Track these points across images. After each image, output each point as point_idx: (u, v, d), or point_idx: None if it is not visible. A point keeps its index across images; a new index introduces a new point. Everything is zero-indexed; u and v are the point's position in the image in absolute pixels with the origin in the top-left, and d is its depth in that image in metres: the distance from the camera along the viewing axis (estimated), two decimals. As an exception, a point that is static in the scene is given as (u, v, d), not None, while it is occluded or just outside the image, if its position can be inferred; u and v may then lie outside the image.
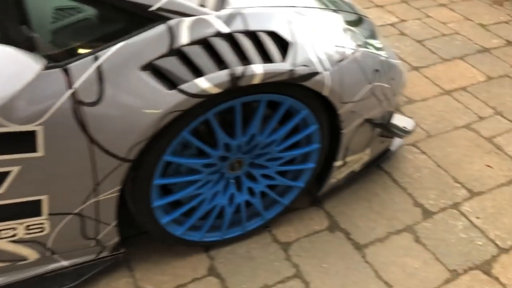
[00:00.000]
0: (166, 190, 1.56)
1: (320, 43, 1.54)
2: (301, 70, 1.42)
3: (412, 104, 2.62)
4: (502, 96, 2.77)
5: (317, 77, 1.47)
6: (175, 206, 1.59)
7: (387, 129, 1.96)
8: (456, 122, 2.53)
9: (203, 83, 1.29)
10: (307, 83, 1.45)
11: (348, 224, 1.92)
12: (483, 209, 2.04)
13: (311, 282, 1.69)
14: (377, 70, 1.74)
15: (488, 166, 2.28)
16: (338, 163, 1.81)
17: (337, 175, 1.89)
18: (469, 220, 1.99)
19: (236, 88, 1.35)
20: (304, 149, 1.67)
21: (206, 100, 1.34)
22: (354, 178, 2.07)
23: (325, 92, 1.51)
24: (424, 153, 2.31)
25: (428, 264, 1.81)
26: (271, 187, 1.76)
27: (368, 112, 1.75)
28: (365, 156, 1.98)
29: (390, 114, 2.00)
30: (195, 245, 1.70)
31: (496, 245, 1.90)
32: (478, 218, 2.00)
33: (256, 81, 1.36)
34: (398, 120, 2.14)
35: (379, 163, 2.20)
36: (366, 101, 1.71)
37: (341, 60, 1.56)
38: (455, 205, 2.05)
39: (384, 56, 1.83)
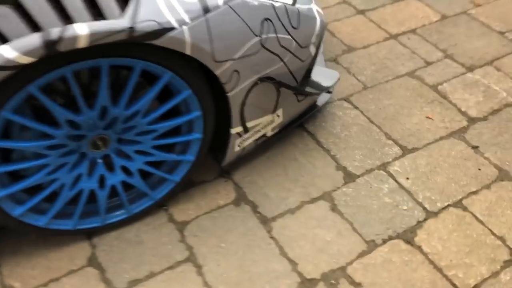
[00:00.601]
0: (15, 176, 1.36)
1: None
2: (145, 27, 1.18)
3: (351, 53, 2.35)
4: (455, 36, 2.49)
5: (171, 34, 1.23)
6: (31, 193, 1.40)
7: (296, 89, 1.73)
8: (399, 70, 2.27)
9: (9, 52, 1.07)
10: (158, 42, 1.22)
11: (257, 195, 1.72)
12: (415, 168, 1.83)
13: (205, 266, 1.51)
14: (267, 20, 1.49)
15: (429, 117, 2.05)
16: (235, 129, 1.60)
17: (241, 142, 1.67)
18: (397, 181, 1.78)
19: (56, 54, 1.13)
20: (181, 119, 1.45)
21: (23, 71, 1.12)
22: (269, 143, 1.86)
23: (187, 51, 1.28)
24: (356, 107, 2.08)
25: (343, 236, 1.62)
26: (154, 163, 1.57)
27: (261, 69, 1.51)
28: (277, 118, 1.76)
29: (304, 69, 1.76)
30: (72, 234, 1.53)
31: (424, 208, 1.70)
32: (407, 179, 1.79)
33: (81, 44, 1.13)
34: (317, 75, 1.91)
35: (303, 122, 1.99)
36: (254, 56, 1.47)
37: (207, 11, 1.31)
38: (383, 166, 1.84)
39: (282, 2, 1.58)
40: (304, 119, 1.94)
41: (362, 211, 1.68)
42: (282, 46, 1.57)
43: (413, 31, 2.51)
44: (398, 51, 2.38)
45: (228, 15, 1.36)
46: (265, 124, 1.72)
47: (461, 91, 2.18)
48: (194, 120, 1.47)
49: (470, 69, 2.29)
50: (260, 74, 1.53)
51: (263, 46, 1.48)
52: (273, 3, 1.53)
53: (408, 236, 1.62)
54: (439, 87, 2.19)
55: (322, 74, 1.99)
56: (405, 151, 1.89)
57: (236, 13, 1.38)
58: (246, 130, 1.65)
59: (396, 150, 1.90)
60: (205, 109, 1.46)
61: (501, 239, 1.62)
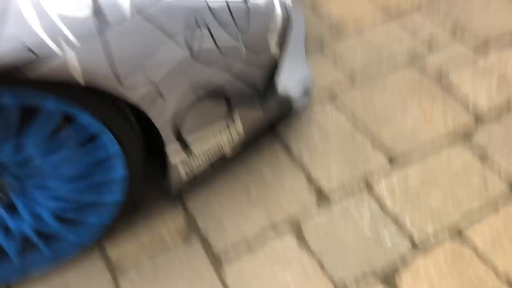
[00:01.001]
0: None
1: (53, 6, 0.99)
2: (8, 54, 0.92)
3: (341, 40, 2.02)
4: (468, 9, 2.11)
5: (51, 61, 0.96)
6: None
7: (253, 101, 1.44)
8: (396, 60, 1.92)
9: None
10: (32, 73, 0.96)
11: (211, 226, 1.44)
12: (405, 187, 1.50)
13: (138, 322, 1.29)
14: (199, 26, 1.19)
15: (427, 118, 1.72)
16: (176, 158, 1.34)
17: (190, 170, 1.41)
18: (381, 205, 1.47)
19: None
20: (92, 157, 1.18)
21: None
22: (232, 160, 1.60)
23: (80, 80, 1.01)
24: (340, 110, 1.77)
25: (308, 277, 1.34)
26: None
27: (198, 87, 1.24)
28: (236, 135, 1.49)
29: (266, 75, 1.46)
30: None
31: (412, 241, 1.40)
32: (394, 201, 1.49)
33: None
34: (288, 78, 1.61)
35: (276, 127, 1.69)
36: (185, 74, 1.19)
37: (105, 27, 1.03)
38: (366, 185, 1.52)
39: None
40: (278, 125, 1.66)
41: (335, 246, 1.39)
42: (226, 56, 1.28)
43: (419, 8, 2.13)
44: (397, 35, 2.03)
45: (139, 29, 1.07)
46: (219, 145, 1.45)
47: (469, 82, 1.82)
48: (113, 157, 1.21)
49: (484, 52, 1.92)
50: (198, 93, 1.25)
51: (195, 60, 1.20)
52: (209, 2, 1.23)
53: (389, 278, 1.34)
54: (443, 80, 1.84)
55: (294, 77, 1.68)
56: (395, 164, 1.58)
57: (152, 23, 1.10)
58: (191, 155, 1.38)
59: (384, 163, 1.58)
60: (126, 142, 1.20)
61: (510, 283, 1.32)
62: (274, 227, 1.43)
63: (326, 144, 1.64)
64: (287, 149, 1.63)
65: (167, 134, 1.25)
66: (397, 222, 1.43)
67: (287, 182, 1.54)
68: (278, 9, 1.42)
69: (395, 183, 1.52)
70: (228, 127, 1.43)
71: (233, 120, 1.43)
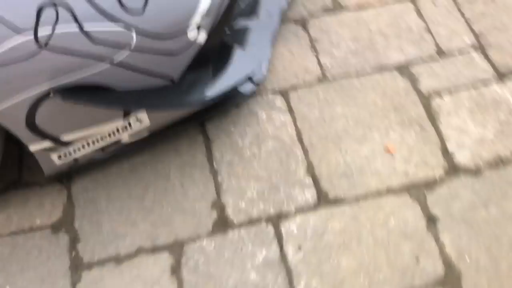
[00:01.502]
0: None
1: None
2: None
3: (332, 15, 1.62)
4: (505, 14, 1.62)
5: None
6: None
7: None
8: (387, 57, 1.53)
9: None
10: None
11: (88, 223, 1.27)
12: (320, 234, 1.24)
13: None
14: (55, 4, 0.90)
15: (389, 151, 1.38)
16: (37, 146, 1.12)
17: (64, 155, 1.20)
18: (282, 249, 1.22)
19: None
20: None
21: None
22: (140, 152, 1.37)
23: None
24: (291, 110, 1.45)
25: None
26: None
27: (51, 76, 0.98)
28: (137, 124, 1.24)
29: (182, 62, 1.17)
30: None
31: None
32: (300, 248, 1.23)
33: None
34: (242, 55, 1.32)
35: (208, 124, 1.43)
36: (26, 62, 0.93)
37: None
38: (277, 218, 1.26)
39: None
40: (211, 114, 1.39)
41: (209, 285, 1.20)
42: (96, 41, 0.99)
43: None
44: (404, 24, 1.60)
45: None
46: (108, 132, 1.22)
47: (465, 113, 1.43)
48: None
49: (501, 76, 1.50)
50: (54, 83, 1.00)
51: (42, 46, 0.93)
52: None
53: None
54: (434, 101, 1.46)
55: (249, 54, 1.37)
56: (322, 202, 1.30)
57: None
58: (62, 143, 1.17)
59: (310, 196, 1.30)
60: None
61: None
62: (153, 246, 1.23)
63: (255, 151, 1.36)
64: (208, 151, 1.38)
65: (16, 127, 1.04)
66: (290, 275, 1.19)
67: (191, 191, 1.31)
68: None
69: (311, 227, 1.25)
70: (123, 116, 1.19)
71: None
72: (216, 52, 1.28)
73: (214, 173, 1.34)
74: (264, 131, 1.40)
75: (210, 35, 1.20)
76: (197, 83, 1.28)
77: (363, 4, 1.64)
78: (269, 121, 1.42)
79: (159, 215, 1.28)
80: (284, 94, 1.47)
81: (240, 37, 1.43)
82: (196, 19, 1.13)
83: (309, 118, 1.42)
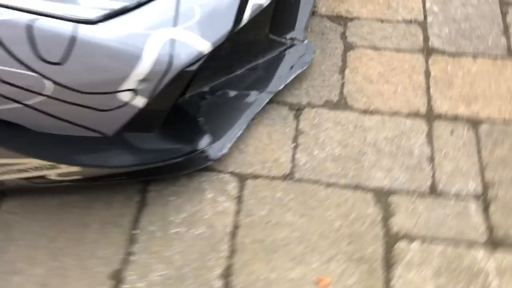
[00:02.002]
0: None
1: None
2: None
3: (334, 112, 1.44)
4: None
5: None
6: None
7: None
8: (369, 174, 1.32)
9: None
10: None
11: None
12: None
13: None
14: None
15: (319, 284, 1.19)
16: None
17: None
18: None
19: None
20: None
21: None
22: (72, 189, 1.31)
23: None
24: (239, 200, 1.30)
25: None
26: None
27: None
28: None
29: (116, 121, 1.10)
30: None
31: None
32: None
33: None
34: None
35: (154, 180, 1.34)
36: None
37: None
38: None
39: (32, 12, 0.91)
40: (154, 176, 1.30)
41: None
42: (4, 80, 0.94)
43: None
44: (407, 144, 1.39)
45: None
46: (29, 166, 1.17)
47: (429, 272, 1.19)
48: None
49: (494, 243, 1.24)
50: None
51: None
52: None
53: None
54: (399, 244, 1.23)
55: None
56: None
57: None
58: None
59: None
60: None
61: None
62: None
63: (179, 235, 1.25)
64: (137, 214, 1.29)
65: None
66: None
67: (99, 254, 1.23)
68: (150, 55, 1.01)
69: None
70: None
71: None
72: (162, 119, 1.19)
73: (131, 240, 1.25)
74: (202, 212, 1.29)
75: (157, 100, 1.13)
76: (133, 144, 1.21)
77: (370, 108, 1.46)
78: (212, 203, 1.30)
79: (60, 264, 1.22)
80: (241, 179, 1.34)
81: (209, 110, 1.34)
82: (128, 83, 1.05)
83: (254, 214, 1.28)
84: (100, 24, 0.98)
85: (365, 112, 1.46)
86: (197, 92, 1.40)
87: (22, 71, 0.95)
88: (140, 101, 1.10)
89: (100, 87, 1.03)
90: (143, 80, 1.06)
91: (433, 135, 1.42)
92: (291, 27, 1.56)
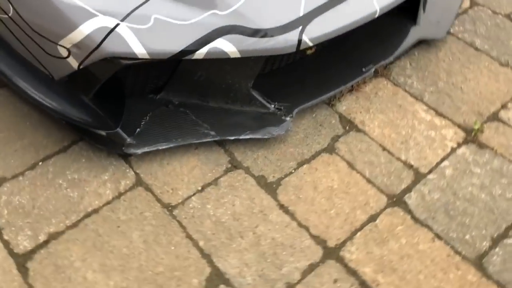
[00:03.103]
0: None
1: None
2: None
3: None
4: None
5: None
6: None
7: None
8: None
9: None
10: None
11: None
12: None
13: None
14: None
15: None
16: None
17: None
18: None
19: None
20: None
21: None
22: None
23: None
24: (118, 196, 1.36)
25: None
26: None
27: None
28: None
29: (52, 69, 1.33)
30: None
31: None
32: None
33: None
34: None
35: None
36: None
37: None
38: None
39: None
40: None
41: None
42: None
43: None
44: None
45: None
46: None
47: None
48: None
49: None
50: None
51: None
52: None
53: None
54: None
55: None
56: None
57: None
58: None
59: None
60: None
61: None
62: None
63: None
64: (55, 154, 1.47)
65: None
66: None
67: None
68: (86, 30, 1.19)
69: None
70: None
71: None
72: (93, 89, 1.35)
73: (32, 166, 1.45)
74: (87, 184, 1.41)
75: (87, 71, 1.30)
76: (71, 97, 1.40)
77: (290, 208, 1.38)
78: (98, 184, 1.42)
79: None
80: (137, 183, 1.42)
81: (159, 116, 1.47)
82: (64, 42, 1.23)
83: (114, 213, 1.36)
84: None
85: (282, 207, 1.39)
86: (166, 100, 1.53)
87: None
88: (73, 62, 1.29)
89: (45, 32, 1.25)
90: (75, 46, 1.24)
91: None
92: (291, 101, 1.56)
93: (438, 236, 1.35)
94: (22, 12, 1.25)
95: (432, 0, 1.83)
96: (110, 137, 1.43)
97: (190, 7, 1.28)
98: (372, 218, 1.38)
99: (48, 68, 1.36)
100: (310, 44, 1.37)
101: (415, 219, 1.38)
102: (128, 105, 1.50)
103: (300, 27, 1.35)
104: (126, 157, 1.48)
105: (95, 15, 1.21)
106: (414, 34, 1.77)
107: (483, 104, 1.65)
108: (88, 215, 1.37)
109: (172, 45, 1.26)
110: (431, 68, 1.75)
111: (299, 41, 1.35)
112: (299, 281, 1.26)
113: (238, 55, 1.32)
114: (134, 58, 1.25)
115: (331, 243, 1.33)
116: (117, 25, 1.22)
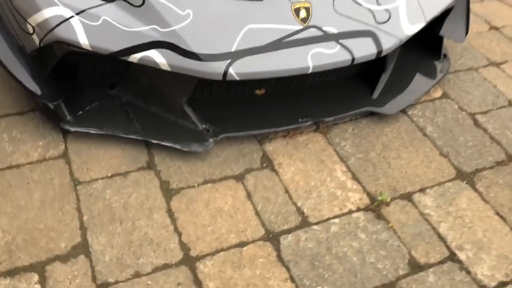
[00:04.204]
0: None
1: None
2: None
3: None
4: None
5: None
6: None
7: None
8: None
9: None
10: None
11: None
12: None
13: None
14: None
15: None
16: None
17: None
18: None
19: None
20: None
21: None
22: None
23: None
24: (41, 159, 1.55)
25: None
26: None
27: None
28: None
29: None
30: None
31: None
32: None
33: None
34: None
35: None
36: None
37: None
38: None
39: None
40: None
41: None
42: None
43: None
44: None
45: None
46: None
47: None
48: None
49: None
50: None
51: None
52: None
53: None
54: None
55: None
56: None
57: None
58: None
59: None
60: None
61: None
62: None
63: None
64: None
65: None
66: None
67: None
68: (45, 14, 1.45)
69: None
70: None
71: None
72: (49, 67, 1.59)
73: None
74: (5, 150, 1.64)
75: (44, 50, 1.54)
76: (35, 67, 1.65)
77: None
78: (26, 149, 1.63)
79: None
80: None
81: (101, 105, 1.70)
82: (31, 20, 1.49)
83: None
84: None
85: (169, 211, 1.52)
86: (116, 96, 1.74)
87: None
88: (36, 40, 1.54)
89: (20, 9, 1.53)
90: (37, 25, 1.50)
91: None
92: (222, 127, 1.70)
93: (292, 279, 1.41)
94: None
95: (397, 79, 1.94)
96: (55, 110, 1.66)
97: (136, 18, 1.50)
98: (241, 244, 1.47)
99: (22, 40, 1.63)
100: (236, 77, 1.54)
101: (279, 257, 1.45)
102: (85, 92, 1.74)
103: (229, 60, 1.52)
104: (65, 133, 1.71)
105: (57, 4, 1.48)
106: (364, 103, 1.87)
107: (403, 183, 1.70)
108: (10, 167, 1.59)
109: (111, 44, 1.48)
110: (370, 138, 1.84)
111: (226, 72, 1.52)
112: (147, 274, 1.38)
113: (168, 68, 1.51)
114: (78, 46, 1.48)
115: (193, 253, 1.44)
116: (71, 16, 1.47)
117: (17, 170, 1.59)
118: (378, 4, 1.71)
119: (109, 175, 1.61)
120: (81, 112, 1.69)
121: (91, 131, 1.67)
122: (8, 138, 1.68)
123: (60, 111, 1.67)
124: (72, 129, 1.65)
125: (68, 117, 1.66)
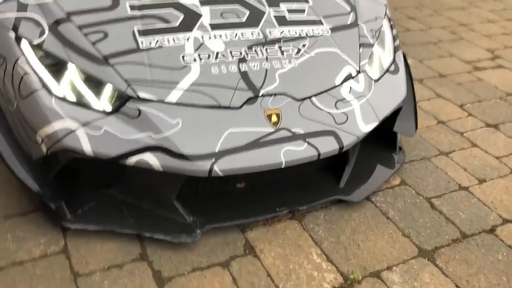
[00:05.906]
0: None
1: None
2: None
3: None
4: None
5: None
6: None
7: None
8: None
9: None
10: None
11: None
12: None
13: None
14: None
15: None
16: None
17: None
18: None
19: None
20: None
21: None
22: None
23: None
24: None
25: None
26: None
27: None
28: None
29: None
30: None
31: None
32: None
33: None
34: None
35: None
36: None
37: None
38: None
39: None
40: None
41: None
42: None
43: None
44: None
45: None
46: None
47: None
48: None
49: None
50: None
51: None
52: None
53: None
54: None
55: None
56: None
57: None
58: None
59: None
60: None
61: None
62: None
63: None
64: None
65: None
66: None
67: None
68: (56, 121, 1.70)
69: None
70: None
71: None
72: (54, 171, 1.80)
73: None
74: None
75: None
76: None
77: None
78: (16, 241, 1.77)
79: None
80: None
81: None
82: (40, 132, 1.72)
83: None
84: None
85: None
86: (112, 195, 1.94)
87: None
88: (44, 148, 1.76)
89: (31, 122, 1.76)
90: (46, 136, 1.73)
91: None
92: (208, 218, 1.90)
93: None
94: (21, 107, 1.78)
95: (360, 170, 2.21)
96: (57, 210, 1.84)
97: (133, 127, 1.75)
98: (230, 326, 1.61)
99: (29, 148, 1.84)
100: (220, 174, 1.77)
101: (265, 336, 1.59)
102: (84, 192, 1.93)
103: (213, 159, 1.76)
104: (65, 230, 1.87)
105: (63, 118, 1.72)
106: (333, 192, 2.12)
107: (371, 262, 1.90)
108: (14, 264, 1.73)
109: (111, 150, 1.71)
110: (340, 223, 2.06)
111: (211, 169, 1.75)
112: None
113: (160, 169, 1.74)
114: (82, 154, 1.71)
115: (186, 336, 1.56)
116: (77, 128, 1.71)
117: (21, 267, 1.73)
118: (337, 108, 2.01)
119: (106, 267, 1.76)
120: (80, 210, 1.87)
121: (89, 228, 1.84)
122: (11, 238, 1.82)
123: (62, 211, 1.84)
124: (72, 226, 1.82)
125: (69, 216, 1.84)
